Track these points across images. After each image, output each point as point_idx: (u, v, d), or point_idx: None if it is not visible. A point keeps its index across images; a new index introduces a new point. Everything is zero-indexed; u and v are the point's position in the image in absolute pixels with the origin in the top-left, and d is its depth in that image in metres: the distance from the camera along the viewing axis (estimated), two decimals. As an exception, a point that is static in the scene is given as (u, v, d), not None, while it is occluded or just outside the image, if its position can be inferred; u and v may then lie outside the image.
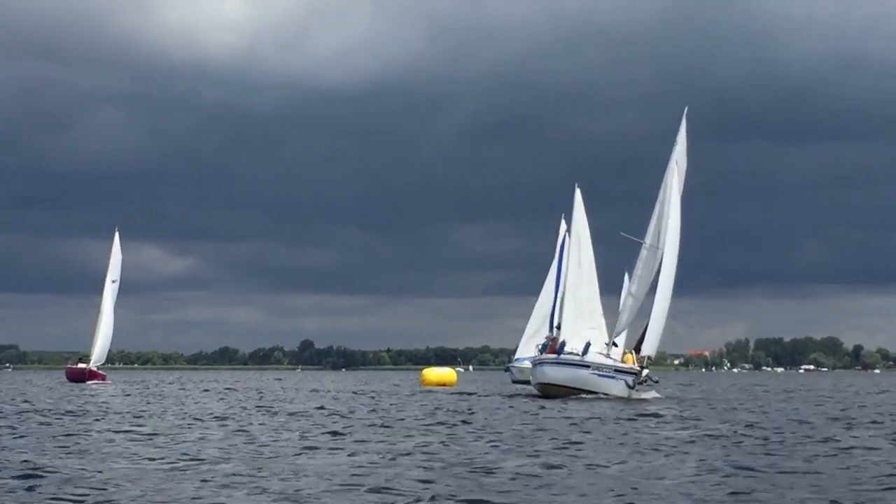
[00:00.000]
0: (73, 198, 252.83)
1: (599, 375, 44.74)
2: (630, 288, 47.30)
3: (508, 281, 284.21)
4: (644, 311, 49.42)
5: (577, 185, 63.32)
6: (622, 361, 61.48)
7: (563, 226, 67.22)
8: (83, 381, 67.42)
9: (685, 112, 47.61)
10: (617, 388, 44.34)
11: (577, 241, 61.98)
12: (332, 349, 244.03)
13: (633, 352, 64.03)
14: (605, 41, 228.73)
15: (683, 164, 46.99)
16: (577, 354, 45.80)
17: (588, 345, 45.73)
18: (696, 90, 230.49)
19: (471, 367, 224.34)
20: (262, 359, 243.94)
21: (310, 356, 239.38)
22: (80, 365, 71.50)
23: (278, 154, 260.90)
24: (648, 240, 45.46)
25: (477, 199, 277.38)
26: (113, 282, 70.91)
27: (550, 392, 44.57)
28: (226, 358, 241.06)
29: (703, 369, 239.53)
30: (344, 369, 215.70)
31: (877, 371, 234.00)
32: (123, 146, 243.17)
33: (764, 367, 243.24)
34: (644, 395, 44.48)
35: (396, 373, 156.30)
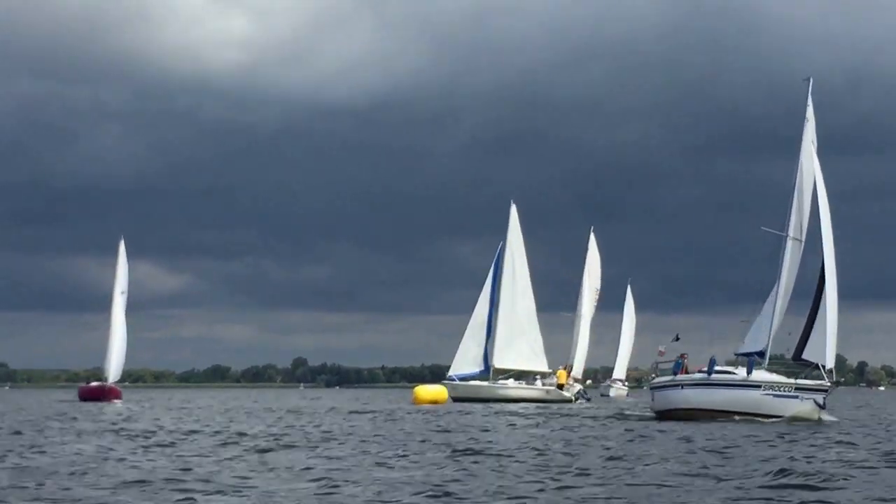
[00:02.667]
0: (65, 214, 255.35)
1: (776, 396, 38.00)
2: (777, 289, 40.52)
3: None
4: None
5: (511, 201, 68.20)
6: (557, 377, 64.40)
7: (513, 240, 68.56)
8: (102, 399, 63.54)
9: (811, 84, 41.49)
10: (803, 408, 37.50)
11: (512, 256, 66.92)
12: (325, 366, 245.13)
13: (565, 368, 66.63)
14: (610, 54, 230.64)
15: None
16: (733, 373, 39.42)
17: (712, 361, 39.75)
18: (705, 102, 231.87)
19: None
20: (255, 377, 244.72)
21: (303, 374, 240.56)
22: (94, 383, 68.52)
23: (277, 169, 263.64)
24: (791, 231, 40.36)
25: (474, 215, 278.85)
26: (122, 293, 69.13)
27: (685, 417, 37.92)
28: (218, 376, 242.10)
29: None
30: (338, 387, 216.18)
31: (881, 388, 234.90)
32: (120, 161, 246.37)
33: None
34: (827, 418, 37.55)
35: (391, 390, 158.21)
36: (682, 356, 42.03)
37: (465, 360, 65.56)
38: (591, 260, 76.93)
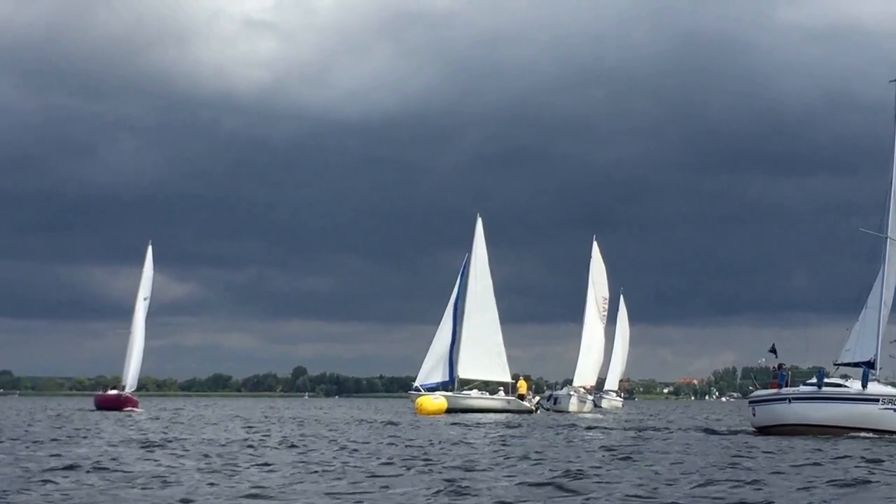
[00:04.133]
0: (76, 223, 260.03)
1: None
2: (881, 293, 37.11)
3: (505, 309, 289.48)
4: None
5: (477, 214, 68.38)
6: (518, 388, 64.49)
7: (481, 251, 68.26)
8: (118, 408, 61.76)
9: None
10: None
11: (476, 268, 66.67)
12: (325, 375, 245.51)
13: (524, 378, 66.54)
14: (608, 78, 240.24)
15: None
16: (845, 385, 36.67)
17: (821, 373, 36.95)
18: (695, 122, 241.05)
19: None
20: (256, 385, 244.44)
21: (303, 383, 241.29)
22: (112, 392, 66.33)
23: (287, 182, 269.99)
24: (891, 232, 37.50)
25: (474, 228, 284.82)
26: (144, 300, 65.71)
27: (791, 433, 35.06)
28: (219, 385, 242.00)
29: (693, 397, 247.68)
30: (337, 396, 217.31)
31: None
32: (135, 172, 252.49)
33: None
34: None
35: (389, 400, 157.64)
36: (780, 366, 38.65)
37: (431, 371, 65.71)
38: (596, 269, 75.35)
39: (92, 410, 62.43)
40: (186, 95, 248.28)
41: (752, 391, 39.78)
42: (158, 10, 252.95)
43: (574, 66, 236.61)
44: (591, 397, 71.72)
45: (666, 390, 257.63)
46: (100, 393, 70.12)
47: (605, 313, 76.28)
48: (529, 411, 61.51)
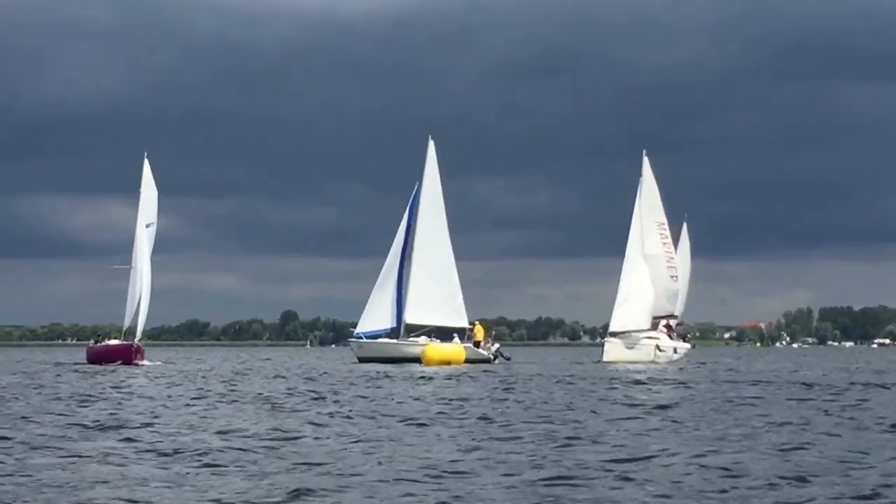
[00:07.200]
0: (28, 147, 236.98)
1: None
2: None
3: (533, 242, 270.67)
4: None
5: (430, 136, 63.13)
6: (474, 334, 59.81)
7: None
8: (130, 361, 53.91)
9: None
10: None
11: (427, 199, 62.30)
12: (319, 321, 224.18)
13: (480, 323, 61.58)
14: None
15: None
16: None
17: None
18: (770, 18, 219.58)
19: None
20: (238, 333, 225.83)
21: (294, 329, 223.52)
22: (114, 341, 58.39)
23: (276, 95, 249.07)
24: None
25: (502, 147, 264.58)
26: (147, 226, 56.52)
27: None
28: (194, 332, 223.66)
29: (759, 344, 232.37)
30: (334, 345, 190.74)
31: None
32: (93, 86, 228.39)
33: (830, 342, 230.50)
34: None
35: None
36: None
37: (374, 316, 61.33)
38: (648, 190, 66.41)
39: (81, 365, 55.36)
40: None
41: None
42: None
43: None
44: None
45: (727, 335, 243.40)
46: (94, 343, 61.51)
47: (668, 240, 67.04)
48: (487, 360, 57.52)
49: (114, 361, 54.24)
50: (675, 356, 63.73)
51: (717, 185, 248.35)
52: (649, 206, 65.80)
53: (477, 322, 62.03)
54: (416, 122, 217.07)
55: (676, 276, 67.65)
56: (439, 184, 63.16)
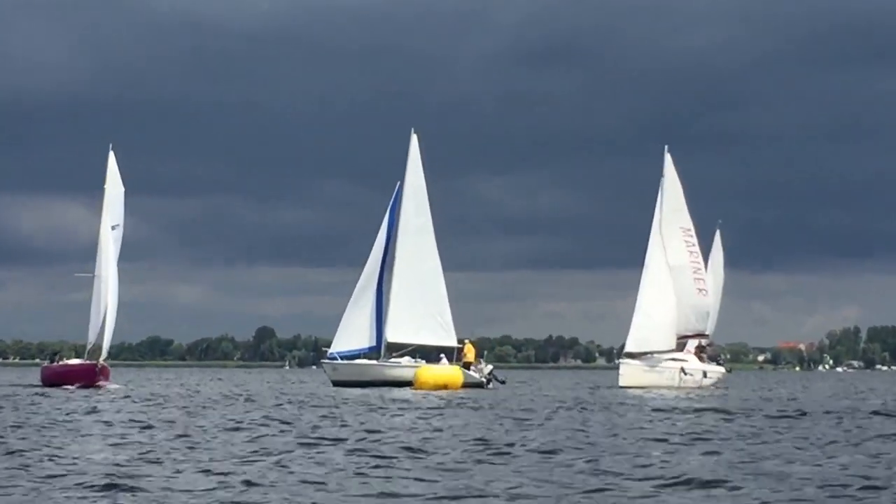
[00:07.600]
0: None
1: None
2: None
3: (544, 251, 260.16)
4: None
5: (412, 130, 60.35)
6: (464, 354, 56.31)
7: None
8: (93, 383, 50.14)
9: None
10: None
11: (410, 203, 59.10)
12: (298, 339, 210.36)
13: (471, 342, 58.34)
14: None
15: None
16: None
17: None
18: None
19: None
20: (206, 352, 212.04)
21: (269, 348, 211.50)
22: (74, 361, 54.72)
23: (251, 81, 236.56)
24: None
25: (508, 141, 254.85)
26: (113, 228, 52.73)
27: None
28: (156, 350, 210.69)
29: (797, 367, 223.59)
30: (314, 366, 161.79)
31: None
32: (40, 67, 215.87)
33: (878, 366, 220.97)
34: None
35: None
36: None
37: (350, 334, 58.27)
38: (671, 191, 62.63)
39: (36, 387, 52.02)
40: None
41: None
42: None
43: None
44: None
45: (761, 357, 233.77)
46: (49, 363, 57.15)
47: (695, 248, 62.97)
48: (479, 384, 54.16)
49: (73, 383, 50.50)
50: (705, 381, 60.74)
51: (748, 186, 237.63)
52: (672, 210, 62.32)
53: (467, 340, 58.85)
54: (407, 112, 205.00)
55: (706, 290, 63.80)
56: (424, 183, 59.95)
